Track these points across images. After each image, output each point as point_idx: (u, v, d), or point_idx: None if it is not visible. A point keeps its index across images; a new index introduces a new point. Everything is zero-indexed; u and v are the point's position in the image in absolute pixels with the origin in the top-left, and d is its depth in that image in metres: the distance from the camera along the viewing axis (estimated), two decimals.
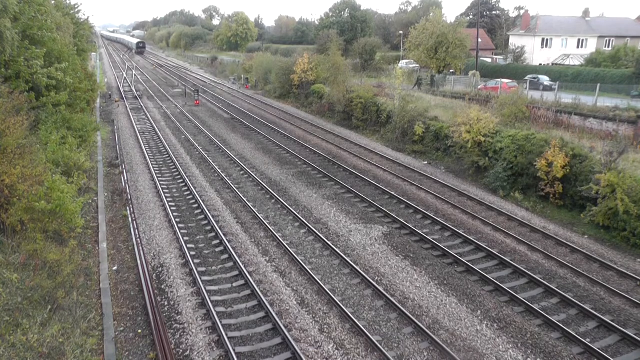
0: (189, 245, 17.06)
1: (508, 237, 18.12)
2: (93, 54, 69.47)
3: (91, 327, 12.06)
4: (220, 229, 18.28)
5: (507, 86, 34.86)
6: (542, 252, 16.78)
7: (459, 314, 13.33)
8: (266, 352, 11.72)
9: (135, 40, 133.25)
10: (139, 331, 12.32)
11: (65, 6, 39.76)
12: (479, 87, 37.48)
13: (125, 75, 72.96)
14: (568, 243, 17.45)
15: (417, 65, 51.94)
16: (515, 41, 64.09)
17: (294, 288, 14.54)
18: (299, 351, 11.41)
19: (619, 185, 17.38)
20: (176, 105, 48.29)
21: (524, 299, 13.84)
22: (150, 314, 12.61)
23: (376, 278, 15.13)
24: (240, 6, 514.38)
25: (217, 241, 17.63)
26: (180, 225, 18.76)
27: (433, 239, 17.58)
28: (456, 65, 46.42)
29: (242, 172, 26.20)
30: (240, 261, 15.83)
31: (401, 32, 67.81)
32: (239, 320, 12.93)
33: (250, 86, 62.22)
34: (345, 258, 16.07)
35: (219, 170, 25.88)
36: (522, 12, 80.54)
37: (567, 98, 28.60)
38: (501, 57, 66.48)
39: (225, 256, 16.52)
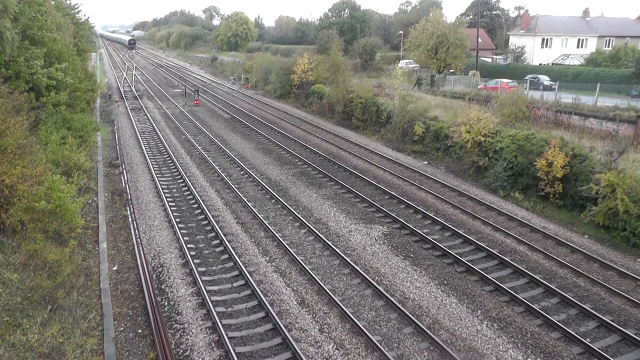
0: (189, 245, 17.06)
1: (508, 237, 18.12)
2: (93, 54, 69.49)
3: (91, 327, 12.06)
4: (220, 229, 18.28)
5: (507, 86, 34.84)
6: (542, 252, 16.77)
7: (459, 314, 13.33)
8: (266, 352, 11.72)
9: (127, 38, 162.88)
10: (139, 331, 12.32)
11: (65, 6, 39.75)
12: (479, 87, 37.46)
13: (125, 75, 72.96)
14: (568, 243, 17.45)
15: (417, 65, 51.92)
16: (515, 41, 64.08)
17: (294, 288, 14.54)
18: (299, 351, 11.41)
19: (619, 185, 17.38)
20: (176, 105, 48.29)
21: (524, 298, 13.84)
22: (150, 314, 12.61)
23: (376, 278, 15.13)
24: (240, 6, 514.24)
25: (217, 241, 17.63)
26: (180, 225, 18.76)
27: (433, 239, 17.58)
28: (456, 65, 46.39)
29: (242, 172, 26.20)
30: (240, 261, 15.83)
31: (401, 32, 67.80)
32: (239, 320, 12.93)
33: (250, 86, 62.21)
34: (345, 258, 16.07)
35: (219, 170, 25.88)
36: (522, 12, 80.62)
37: (567, 98, 28.57)
38: (501, 57, 66.48)
39: (225, 256, 16.52)
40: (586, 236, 18.46)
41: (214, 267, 15.81)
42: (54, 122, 23.24)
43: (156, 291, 14.08)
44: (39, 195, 14.37)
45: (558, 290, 14.20)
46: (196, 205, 21.04)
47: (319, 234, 17.89)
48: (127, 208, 20.02)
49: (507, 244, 17.62)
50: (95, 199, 21.20)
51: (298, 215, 19.62)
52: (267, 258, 16.40)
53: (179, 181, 24.56)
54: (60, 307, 12.06)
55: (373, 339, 11.88)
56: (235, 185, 23.52)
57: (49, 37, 23.99)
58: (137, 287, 14.32)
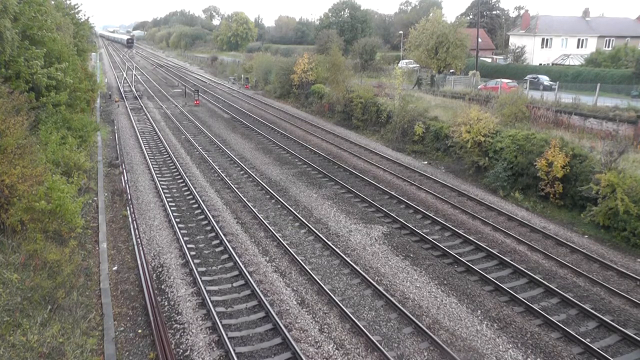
0: (189, 245, 17.06)
1: (508, 237, 18.12)
2: (93, 54, 69.48)
3: (91, 327, 12.07)
4: (220, 229, 18.28)
5: (507, 86, 34.86)
6: (542, 252, 16.77)
7: (459, 313, 13.33)
8: (266, 352, 11.72)
9: (126, 37, 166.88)
10: (139, 331, 12.32)
11: (65, 6, 39.75)
12: (479, 87, 37.48)
13: (125, 75, 72.94)
14: (568, 243, 17.45)
15: (417, 65, 51.92)
16: (515, 41, 64.09)
17: (294, 288, 14.54)
18: (299, 351, 11.41)
19: (619, 185, 17.38)
20: (176, 105, 48.29)
21: (524, 298, 13.84)
22: (150, 314, 12.61)
23: (376, 278, 15.13)
24: (240, 6, 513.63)
25: (217, 241, 17.63)
26: (180, 225, 18.77)
27: (433, 239, 17.58)
28: (456, 65, 46.39)
29: (242, 172, 26.20)
30: (240, 261, 15.83)
31: (401, 32, 67.84)
32: (239, 320, 12.93)
33: (250, 86, 62.21)
34: (345, 258, 16.07)
35: (219, 170, 25.87)
36: (522, 12, 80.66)
37: (567, 98, 28.58)
38: (501, 57, 66.51)
39: (225, 256, 16.52)
40: (586, 236, 18.46)
41: (214, 267, 15.81)
42: (54, 122, 23.25)
43: (156, 291, 14.08)
44: (39, 195, 14.38)
45: (558, 290, 14.21)
46: (196, 205, 21.04)
47: (319, 234, 17.89)
48: (127, 208, 20.02)
49: (507, 244, 17.62)
50: (95, 199, 21.20)
51: (298, 215, 19.62)
52: (267, 258, 16.41)
53: (179, 181, 24.56)
54: (60, 307, 12.06)
55: (373, 339, 11.88)
56: (235, 185, 23.52)
57: (49, 37, 24.01)
58: (137, 287, 14.32)
